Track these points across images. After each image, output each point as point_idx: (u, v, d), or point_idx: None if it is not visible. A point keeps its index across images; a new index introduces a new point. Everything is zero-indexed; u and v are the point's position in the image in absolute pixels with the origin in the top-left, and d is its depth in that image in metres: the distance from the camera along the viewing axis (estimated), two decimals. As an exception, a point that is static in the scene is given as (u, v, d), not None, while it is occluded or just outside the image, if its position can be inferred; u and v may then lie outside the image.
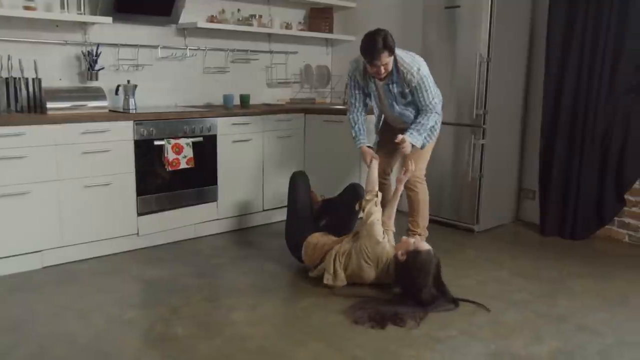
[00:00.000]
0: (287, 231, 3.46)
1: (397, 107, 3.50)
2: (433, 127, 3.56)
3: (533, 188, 4.46)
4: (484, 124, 4.11)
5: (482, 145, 4.13)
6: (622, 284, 3.28)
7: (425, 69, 3.39)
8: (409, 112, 3.52)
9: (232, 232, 4.16)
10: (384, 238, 3.06)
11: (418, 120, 3.46)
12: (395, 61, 3.31)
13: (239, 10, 4.57)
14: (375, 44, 3.16)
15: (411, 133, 3.42)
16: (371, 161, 3.47)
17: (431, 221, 4.52)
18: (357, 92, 3.58)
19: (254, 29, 4.57)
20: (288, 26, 4.85)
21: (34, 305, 2.86)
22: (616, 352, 2.48)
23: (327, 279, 3.09)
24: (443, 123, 4.37)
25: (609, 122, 3.96)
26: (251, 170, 4.24)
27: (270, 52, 4.90)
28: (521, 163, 4.56)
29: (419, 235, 3.70)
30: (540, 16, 4.27)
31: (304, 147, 4.54)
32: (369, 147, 3.57)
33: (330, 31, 5.12)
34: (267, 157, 4.31)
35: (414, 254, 2.89)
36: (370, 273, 3.05)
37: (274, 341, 2.53)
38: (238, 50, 4.66)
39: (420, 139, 3.47)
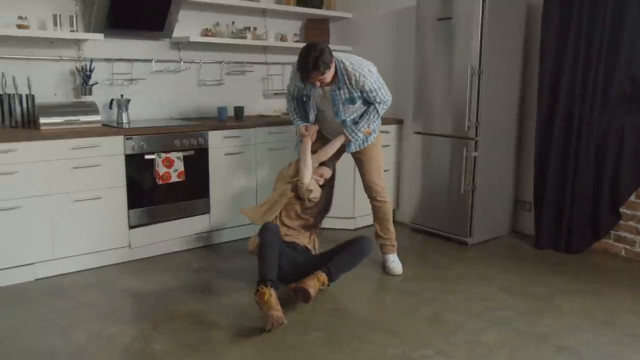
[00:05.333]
0: None
1: (341, 115, 3.40)
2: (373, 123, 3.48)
3: (529, 199, 4.41)
4: (476, 136, 4.08)
5: (475, 157, 4.10)
6: (612, 303, 3.22)
7: (375, 69, 3.34)
8: (351, 122, 3.45)
9: (223, 244, 4.18)
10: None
11: (363, 117, 3.42)
12: (344, 68, 3.25)
13: (233, 22, 4.60)
14: (305, 65, 3.09)
15: (352, 130, 3.42)
16: (303, 136, 3.42)
17: (425, 233, 4.52)
18: (296, 98, 3.53)
19: (248, 42, 4.59)
20: (283, 38, 4.86)
21: (20, 320, 2.92)
22: (593, 376, 2.45)
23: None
24: (438, 135, 4.35)
25: (604, 132, 3.90)
26: (243, 182, 4.26)
27: (266, 63, 4.92)
28: (517, 174, 4.51)
29: (393, 246, 3.71)
30: (534, 26, 4.22)
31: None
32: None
33: (327, 42, 5.11)
34: (259, 169, 4.32)
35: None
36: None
37: (249, 360, 2.55)
38: (233, 63, 4.69)
39: (360, 136, 3.44)
